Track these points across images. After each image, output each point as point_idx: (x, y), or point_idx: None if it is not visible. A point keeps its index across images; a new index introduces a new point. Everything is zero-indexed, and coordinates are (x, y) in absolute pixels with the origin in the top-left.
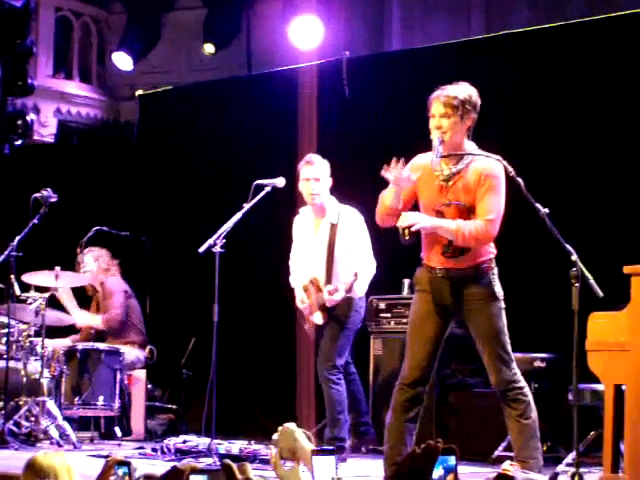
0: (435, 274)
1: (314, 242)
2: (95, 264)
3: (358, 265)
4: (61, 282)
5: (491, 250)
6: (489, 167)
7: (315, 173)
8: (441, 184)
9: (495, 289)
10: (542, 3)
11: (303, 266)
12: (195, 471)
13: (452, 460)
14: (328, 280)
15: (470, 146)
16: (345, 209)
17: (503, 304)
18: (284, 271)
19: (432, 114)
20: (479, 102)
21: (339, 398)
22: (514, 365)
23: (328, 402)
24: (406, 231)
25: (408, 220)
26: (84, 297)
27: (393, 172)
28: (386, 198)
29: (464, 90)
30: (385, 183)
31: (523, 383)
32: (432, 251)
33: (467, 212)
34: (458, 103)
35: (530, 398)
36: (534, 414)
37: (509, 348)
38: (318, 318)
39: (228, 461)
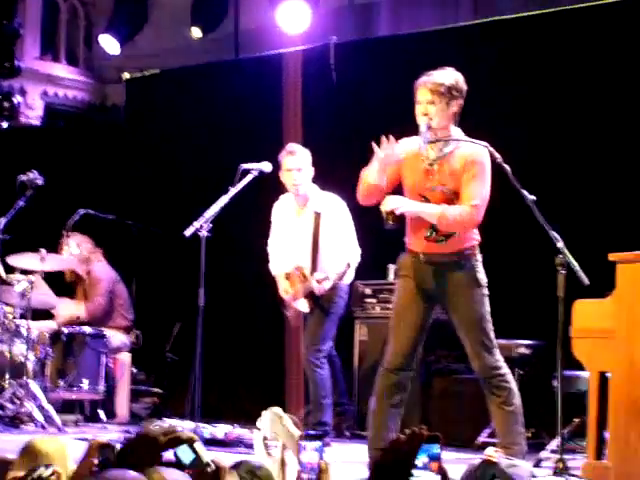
0: (418, 259)
1: (297, 230)
2: (77, 250)
3: (346, 254)
4: (46, 265)
5: (475, 237)
6: (475, 153)
7: (297, 163)
8: (427, 168)
9: (478, 275)
10: None
11: (285, 254)
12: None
13: (436, 448)
14: (314, 269)
15: (456, 132)
16: (328, 197)
17: (486, 291)
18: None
19: (418, 100)
20: (465, 88)
21: (323, 383)
22: (497, 352)
23: (312, 386)
24: (390, 216)
25: (391, 204)
26: (63, 284)
27: (384, 148)
28: (369, 175)
29: (450, 76)
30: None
31: (506, 370)
32: (415, 236)
33: (452, 197)
34: (444, 89)
35: (513, 385)
36: (517, 400)
37: (492, 335)
38: (304, 305)
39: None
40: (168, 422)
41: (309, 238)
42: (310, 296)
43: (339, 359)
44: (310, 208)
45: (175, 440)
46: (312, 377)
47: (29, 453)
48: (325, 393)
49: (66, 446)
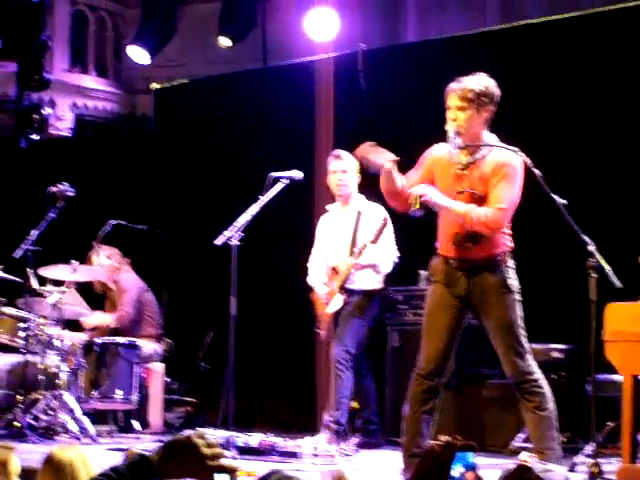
0: (449, 264)
1: (340, 230)
2: (107, 261)
3: (380, 256)
4: (78, 276)
5: (506, 242)
6: (506, 158)
7: (342, 166)
8: (457, 173)
9: (509, 281)
10: None
11: (326, 260)
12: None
13: (471, 457)
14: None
15: (489, 137)
16: (371, 204)
17: (518, 296)
18: (302, 264)
19: (448, 106)
20: (497, 93)
21: (346, 383)
22: (529, 357)
23: (335, 384)
24: (416, 200)
25: (421, 190)
26: (93, 296)
27: (364, 151)
28: (381, 184)
29: (481, 82)
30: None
31: (539, 375)
32: (446, 241)
33: (480, 201)
34: (474, 96)
35: (546, 389)
36: (551, 405)
37: (524, 340)
38: (339, 301)
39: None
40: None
41: (349, 235)
42: (344, 290)
43: (372, 376)
44: (352, 207)
45: (220, 467)
46: (336, 375)
47: (52, 463)
48: (347, 394)
49: (88, 455)
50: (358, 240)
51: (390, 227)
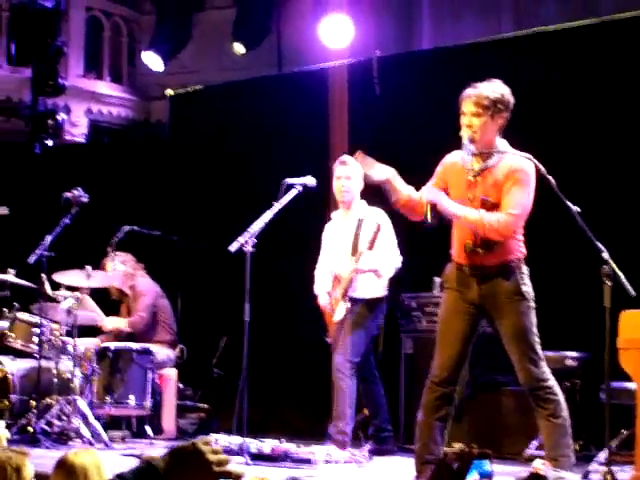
0: (463, 271)
1: (341, 238)
2: (122, 266)
3: (380, 261)
4: (92, 282)
5: (519, 249)
6: (519, 164)
7: (347, 172)
8: (470, 180)
9: (523, 288)
10: (573, 0)
11: (330, 268)
12: None
13: (487, 465)
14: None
15: (502, 144)
16: (373, 209)
17: (532, 303)
18: (315, 270)
19: (463, 112)
20: (512, 101)
21: (349, 392)
22: (543, 364)
23: (337, 394)
24: (430, 212)
25: (431, 196)
26: (108, 301)
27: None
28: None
29: (496, 89)
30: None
31: (553, 382)
32: (459, 247)
33: (492, 208)
34: (489, 102)
35: (560, 397)
36: (565, 412)
37: (538, 347)
38: (342, 309)
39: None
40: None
41: (350, 242)
42: (347, 298)
43: (382, 384)
44: (354, 215)
45: (226, 474)
46: (338, 385)
47: (64, 467)
48: (350, 402)
49: (101, 459)
50: (360, 247)
51: (391, 232)
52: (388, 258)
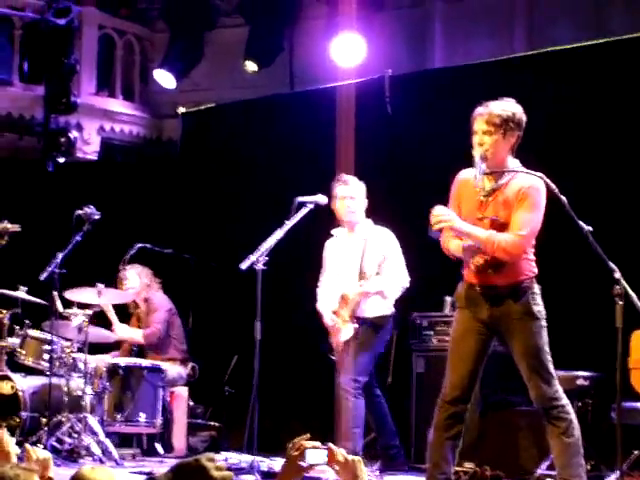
0: (474, 290)
1: (346, 257)
2: (138, 280)
3: (386, 283)
4: (104, 299)
5: (531, 269)
6: (529, 183)
7: (350, 192)
8: (481, 199)
9: (534, 308)
10: (585, 19)
11: (334, 286)
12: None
13: None
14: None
15: (514, 163)
16: (378, 228)
17: (544, 322)
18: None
19: (475, 131)
20: (524, 119)
21: (357, 412)
22: (555, 383)
23: (345, 414)
24: (436, 224)
25: (442, 216)
26: (125, 313)
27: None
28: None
29: (508, 107)
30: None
31: (565, 401)
32: (470, 267)
33: (501, 228)
34: (501, 121)
35: (573, 416)
36: (577, 432)
37: (550, 366)
38: (350, 330)
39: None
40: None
41: (357, 262)
42: (354, 319)
43: (385, 400)
44: (360, 235)
45: None
46: (345, 405)
47: None
48: (357, 423)
49: (115, 476)
50: (365, 267)
51: (398, 252)
52: (395, 279)
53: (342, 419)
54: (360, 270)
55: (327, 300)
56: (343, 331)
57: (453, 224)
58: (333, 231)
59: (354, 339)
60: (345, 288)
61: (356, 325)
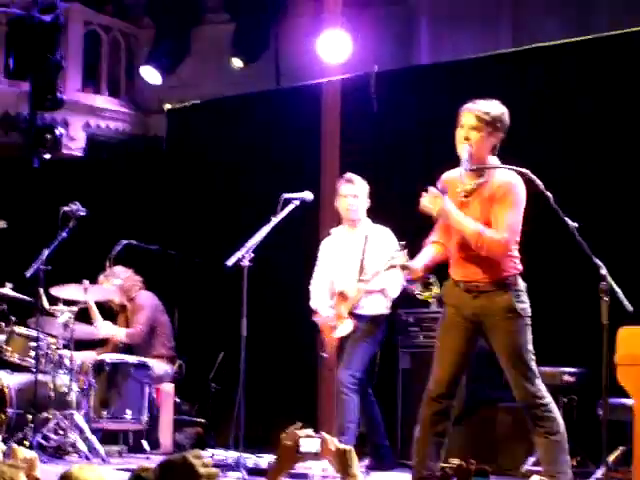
0: (459, 287)
1: (347, 254)
2: (120, 280)
3: (389, 281)
4: (89, 295)
5: (515, 266)
6: (508, 181)
7: (354, 190)
8: (462, 200)
9: (517, 306)
10: (570, 16)
11: (330, 283)
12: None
13: None
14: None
15: (493, 161)
16: (378, 227)
17: (528, 320)
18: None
19: (462, 124)
20: (508, 123)
21: (352, 407)
22: (538, 381)
23: (340, 409)
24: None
25: (435, 201)
26: (110, 314)
27: None
28: None
29: (497, 108)
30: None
31: (548, 399)
32: (456, 264)
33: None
34: (490, 119)
35: (556, 413)
36: (561, 428)
37: (533, 365)
38: (348, 325)
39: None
40: (212, 453)
41: (357, 259)
42: (353, 315)
43: (376, 401)
44: (360, 232)
45: None
46: (341, 400)
47: None
48: (352, 418)
49: (105, 476)
50: (366, 265)
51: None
52: (396, 278)
53: (338, 413)
54: (361, 267)
55: (321, 297)
56: (340, 327)
57: (448, 209)
58: (332, 230)
59: (352, 335)
60: (344, 285)
61: (354, 321)
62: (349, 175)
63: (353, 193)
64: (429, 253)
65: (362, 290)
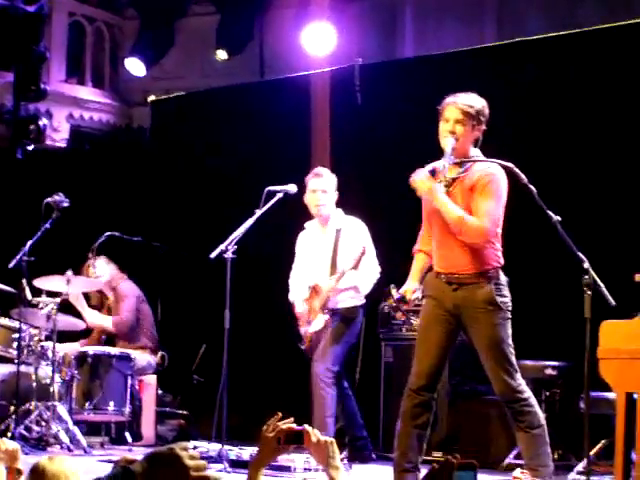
0: (440, 279)
1: (319, 250)
2: (107, 269)
3: (359, 278)
4: (73, 287)
5: (496, 259)
6: (487, 172)
7: (322, 185)
8: (444, 191)
9: (498, 299)
10: (555, 10)
11: (306, 277)
12: None
13: (472, 477)
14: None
15: (476, 154)
16: (349, 218)
17: (508, 314)
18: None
19: (446, 118)
20: (488, 115)
21: (330, 402)
22: (518, 376)
23: (318, 404)
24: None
25: (421, 182)
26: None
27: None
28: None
29: (478, 101)
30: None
31: (528, 393)
32: (438, 255)
33: None
34: (474, 112)
35: (536, 408)
36: (542, 421)
37: (512, 359)
38: (320, 321)
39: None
40: (194, 445)
41: (329, 255)
42: (326, 310)
43: (352, 392)
44: (331, 227)
45: (204, 479)
46: (319, 394)
47: (38, 474)
48: (331, 412)
49: (77, 467)
50: (338, 260)
51: (369, 243)
52: (369, 274)
53: (315, 407)
54: (332, 262)
55: (299, 291)
56: (313, 322)
57: (435, 194)
58: (306, 224)
59: (326, 329)
60: (317, 280)
61: (327, 316)
62: (318, 169)
63: (322, 188)
64: (417, 267)
65: (333, 288)
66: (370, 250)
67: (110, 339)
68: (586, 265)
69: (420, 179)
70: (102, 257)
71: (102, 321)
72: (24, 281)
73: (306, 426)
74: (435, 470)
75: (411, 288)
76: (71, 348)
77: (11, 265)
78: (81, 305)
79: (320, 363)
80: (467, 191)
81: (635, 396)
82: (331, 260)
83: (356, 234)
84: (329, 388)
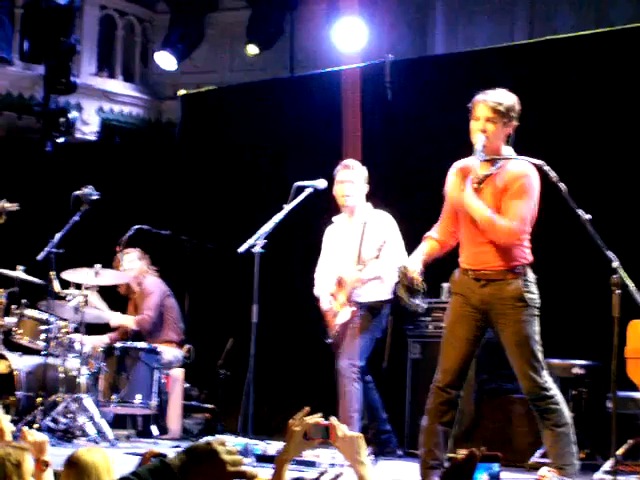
0: (467, 276)
1: (345, 243)
2: (138, 263)
3: (383, 268)
4: (101, 280)
5: (525, 255)
6: (521, 170)
7: (350, 176)
8: (475, 187)
9: (526, 295)
10: (586, 9)
11: (332, 270)
12: None
13: (496, 467)
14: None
15: (507, 151)
16: (377, 211)
17: (536, 311)
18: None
19: (476, 117)
20: (519, 110)
21: (356, 396)
22: (545, 373)
23: (343, 399)
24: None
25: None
26: (117, 296)
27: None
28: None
29: (509, 97)
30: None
31: (555, 391)
32: (466, 252)
33: None
34: (504, 109)
35: (563, 405)
36: (568, 419)
37: (540, 356)
38: (347, 313)
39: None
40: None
41: (355, 247)
42: (351, 302)
43: (375, 386)
44: (359, 219)
45: (240, 474)
46: (345, 390)
47: (74, 465)
48: (356, 407)
49: (111, 458)
50: (363, 252)
51: (397, 235)
52: (392, 264)
53: (340, 403)
54: (358, 254)
55: (324, 285)
56: (340, 314)
57: (468, 193)
58: (334, 218)
59: (352, 323)
60: (343, 272)
61: (353, 308)
62: (347, 160)
63: (350, 179)
64: (423, 249)
65: (358, 278)
66: (397, 242)
67: (138, 333)
68: (615, 264)
69: (452, 183)
70: (136, 250)
71: (124, 321)
72: (52, 273)
73: (333, 420)
74: (460, 461)
75: (410, 265)
76: (99, 341)
77: (40, 257)
78: (102, 308)
79: (345, 358)
80: (499, 191)
81: None
82: (357, 252)
83: (381, 226)
84: (355, 383)
